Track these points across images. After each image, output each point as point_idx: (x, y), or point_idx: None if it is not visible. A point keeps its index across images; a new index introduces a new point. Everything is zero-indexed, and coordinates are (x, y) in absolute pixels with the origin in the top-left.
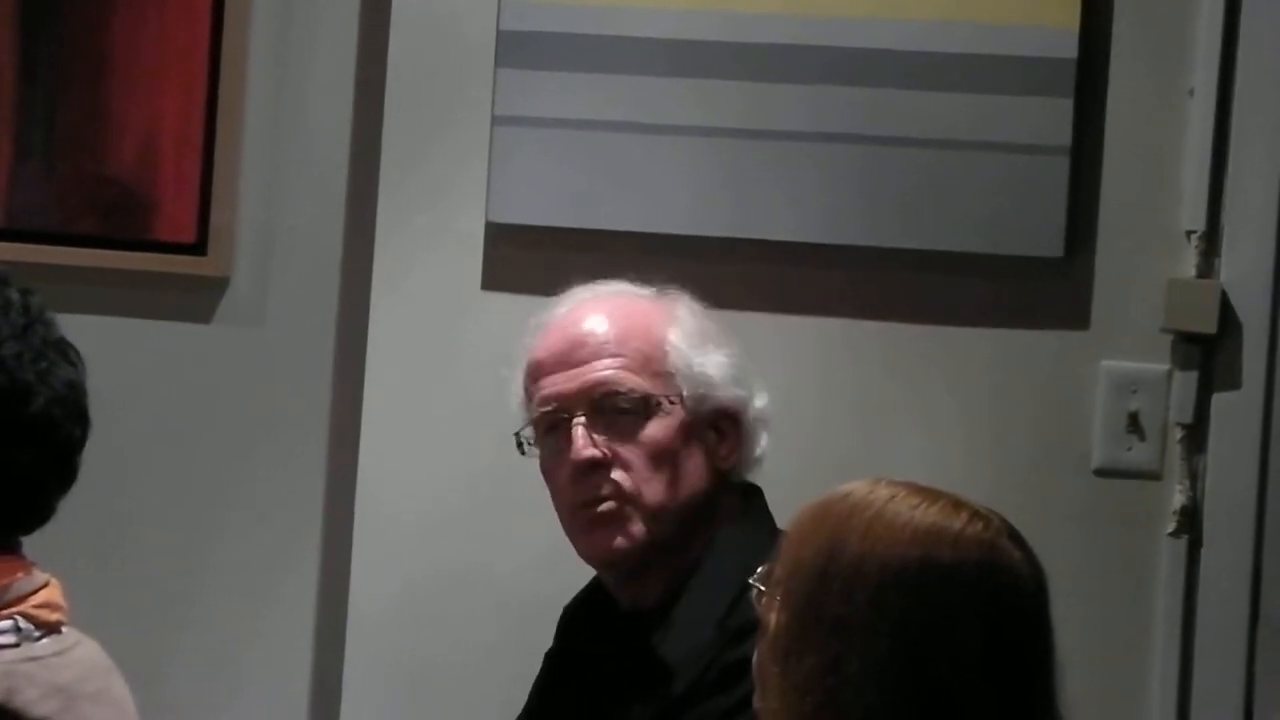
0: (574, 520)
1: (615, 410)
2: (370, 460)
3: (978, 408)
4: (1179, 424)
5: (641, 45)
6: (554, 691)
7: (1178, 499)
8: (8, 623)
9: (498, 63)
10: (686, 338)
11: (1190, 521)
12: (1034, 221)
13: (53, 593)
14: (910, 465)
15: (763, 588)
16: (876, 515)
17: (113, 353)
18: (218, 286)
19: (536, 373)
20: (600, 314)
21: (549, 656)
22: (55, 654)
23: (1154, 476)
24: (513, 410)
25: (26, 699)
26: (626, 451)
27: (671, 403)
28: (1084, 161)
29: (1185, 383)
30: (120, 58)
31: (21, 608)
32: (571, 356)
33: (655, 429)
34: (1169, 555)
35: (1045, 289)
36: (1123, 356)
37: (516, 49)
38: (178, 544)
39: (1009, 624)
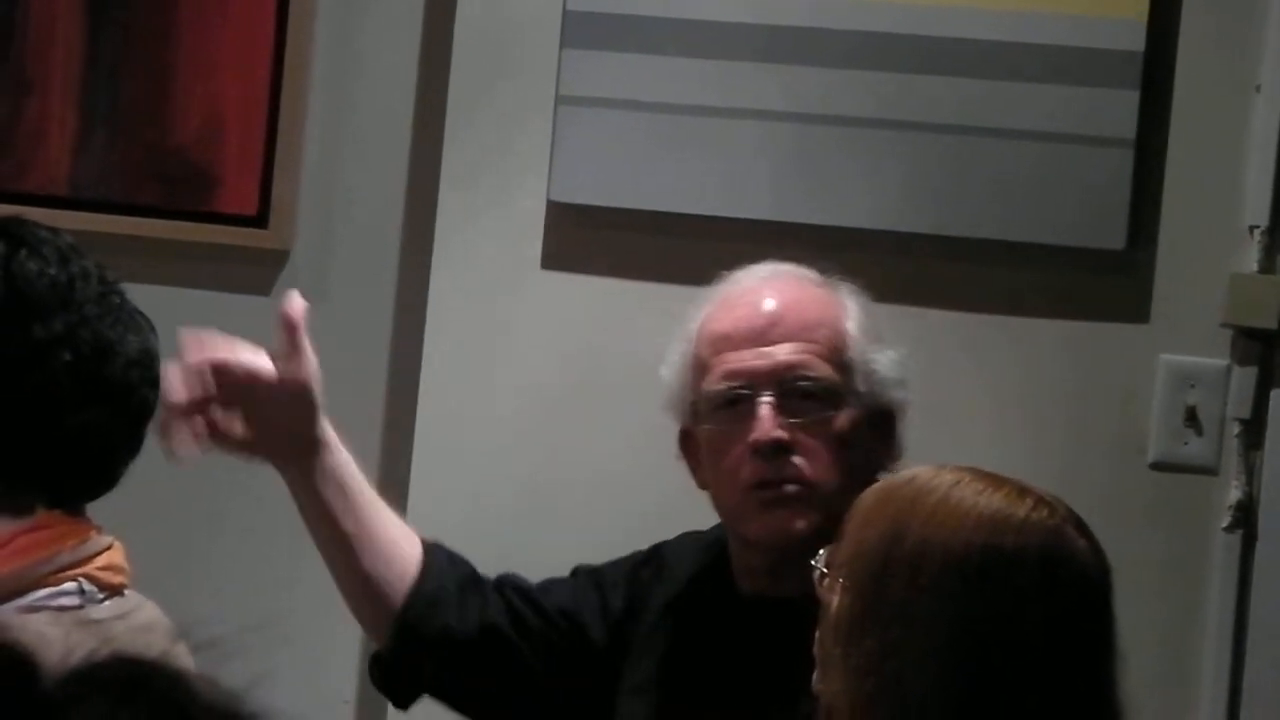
0: (746, 499)
1: (802, 395)
2: (426, 435)
3: (1034, 398)
4: (1237, 419)
5: (707, 28)
6: (670, 670)
7: (1234, 494)
8: (72, 584)
9: (563, 42)
10: (863, 332)
11: (1246, 517)
12: (1096, 213)
13: (116, 555)
14: (962, 454)
15: (825, 569)
16: (941, 500)
17: (172, 323)
18: (278, 259)
19: (721, 345)
20: (789, 296)
21: (654, 632)
22: (118, 616)
23: (1210, 471)
24: (663, 375)
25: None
26: (808, 438)
27: (852, 395)
28: (1148, 154)
29: (1244, 378)
30: (186, 29)
31: (85, 569)
32: (763, 334)
33: (837, 420)
34: (1223, 550)
35: (1106, 281)
36: (1182, 350)
37: (582, 29)
38: (231, 516)
39: (1072, 611)
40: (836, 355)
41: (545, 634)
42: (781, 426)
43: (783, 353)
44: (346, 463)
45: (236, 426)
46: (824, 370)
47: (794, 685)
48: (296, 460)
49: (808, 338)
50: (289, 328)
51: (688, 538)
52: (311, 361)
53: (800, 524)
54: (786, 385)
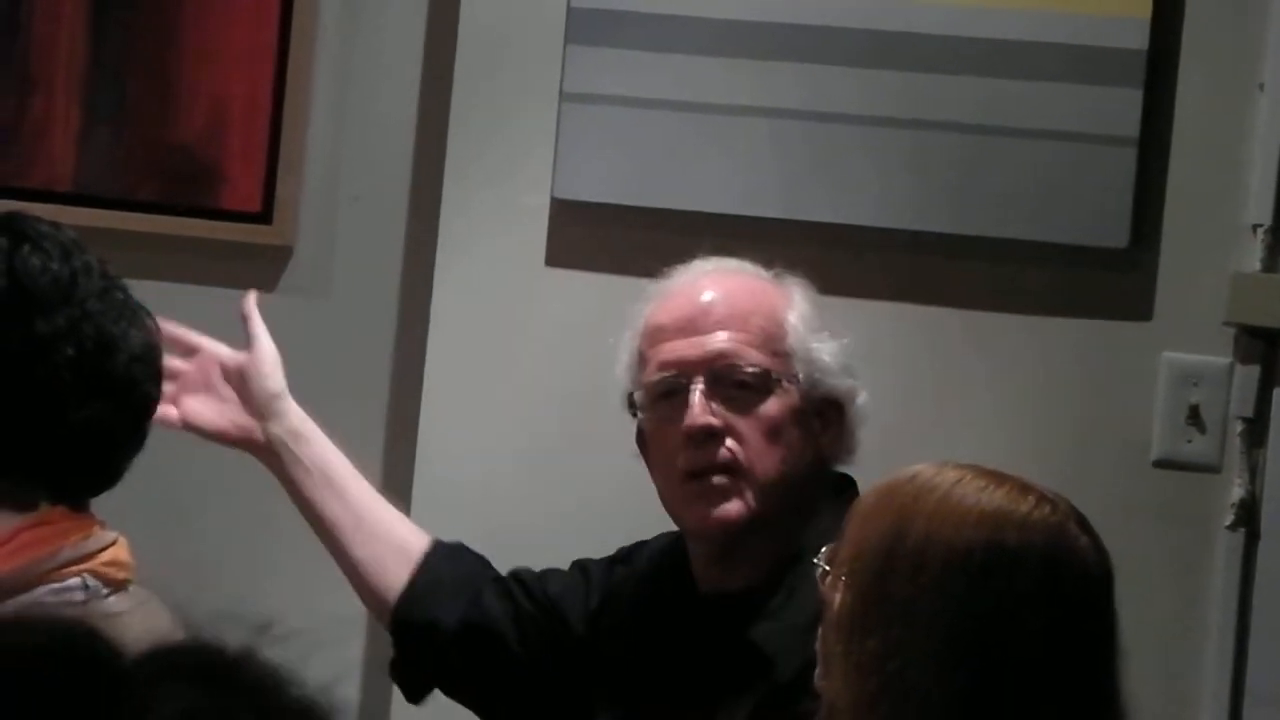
0: (682, 488)
1: (734, 382)
2: (430, 432)
3: (1038, 396)
4: (1239, 417)
5: (713, 26)
6: (632, 670)
7: (1236, 492)
8: (76, 580)
9: (568, 39)
10: (804, 321)
11: (1248, 515)
12: (1099, 211)
13: (120, 551)
14: (964, 451)
15: (827, 567)
16: (943, 498)
17: (176, 319)
18: (282, 256)
19: (656, 336)
20: (724, 287)
21: (620, 630)
22: (123, 612)
23: (1213, 469)
24: (617, 375)
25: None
26: (741, 424)
27: (789, 382)
28: (1151, 153)
29: (1247, 376)
30: (189, 27)
31: (90, 565)
32: (695, 324)
33: (771, 406)
34: (1226, 548)
35: (1109, 279)
36: (1185, 349)
37: (587, 26)
38: (236, 512)
39: (1074, 609)
40: (772, 343)
41: (537, 622)
42: (713, 413)
43: (715, 341)
44: (330, 456)
45: (201, 408)
46: (757, 358)
47: (746, 679)
48: (266, 446)
49: (740, 326)
50: (242, 318)
51: (665, 537)
52: (265, 347)
53: (735, 509)
54: (718, 373)
